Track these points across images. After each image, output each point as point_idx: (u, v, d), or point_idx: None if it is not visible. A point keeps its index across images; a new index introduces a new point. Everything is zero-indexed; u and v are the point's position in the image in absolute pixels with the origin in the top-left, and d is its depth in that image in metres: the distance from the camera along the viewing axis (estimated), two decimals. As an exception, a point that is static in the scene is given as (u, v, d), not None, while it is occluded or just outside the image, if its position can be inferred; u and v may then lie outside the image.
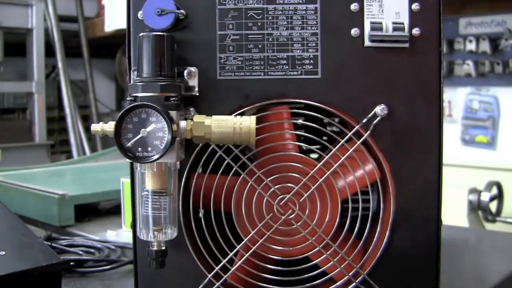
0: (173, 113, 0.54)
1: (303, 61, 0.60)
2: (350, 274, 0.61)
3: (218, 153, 0.61)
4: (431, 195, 0.60)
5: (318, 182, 0.61)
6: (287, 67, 0.60)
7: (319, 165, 0.60)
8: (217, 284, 0.62)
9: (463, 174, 2.15)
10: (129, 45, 0.61)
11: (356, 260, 0.61)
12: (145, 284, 0.63)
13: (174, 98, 0.55)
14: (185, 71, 0.59)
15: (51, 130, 2.94)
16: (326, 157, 0.60)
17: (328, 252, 0.61)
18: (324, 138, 0.65)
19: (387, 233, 0.60)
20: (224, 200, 0.62)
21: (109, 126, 0.55)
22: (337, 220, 0.61)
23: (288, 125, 0.63)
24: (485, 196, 1.86)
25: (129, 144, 0.53)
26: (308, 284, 0.62)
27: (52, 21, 2.67)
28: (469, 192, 1.86)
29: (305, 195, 0.61)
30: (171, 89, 0.55)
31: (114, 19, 2.41)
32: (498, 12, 2.29)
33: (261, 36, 0.60)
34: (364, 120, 0.59)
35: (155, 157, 0.53)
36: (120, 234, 1.03)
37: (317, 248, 0.61)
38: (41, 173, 1.55)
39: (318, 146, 0.64)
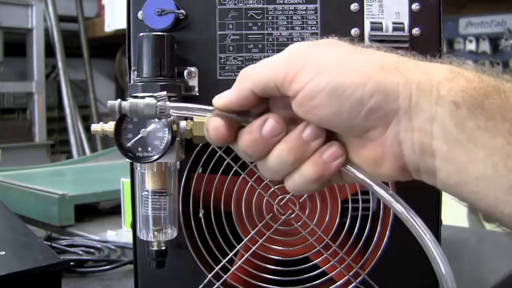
0: (173, 113, 0.54)
1: (303, 61, 0.60)
2: (350, 274, 0.61)
3: (218, 153, 0.61)
4: (431, 195, 0.60)
5: (318, 182, 0.61)
6: (287, 67, 0.60)
7: (319, 165, 0.60)
8: (217, 284, 0.62)
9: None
10: (129, 45, 0.61)
11: (356, 260, 0.61)
12: (145, 284, 0.63)
13: (174, 98, 0.55)
14: (185, 71, 0.59)
15: (51, 130, 2.94)
16: (326, 157, 0.60)
17: (328, 252, 0.61)
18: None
19: (387, 233, 0.60)
20: (224, 200, 0.62)
21: (109, 126, 0.55)
22: (337, 220, 0.61)
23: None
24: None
25: (129, 144, 0.53)
26: (308, 284, 0.62)
27: (52, 21, 2.67)
28: (469, 192, 1.86)
29: (305, 195, 0.61)
30: (171, 89, 0.55)
31: (114, 19, 2.41)
32: (498, 12, 2.29)
33: (261, 36, 0.60)
34: (364, 120, 0.59)
35: (155, 157, 0.53)
36: (120, 234, 1.03)
37: (317, 248, 0.61)
38: (41, 173, 1.55)
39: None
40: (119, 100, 0.46)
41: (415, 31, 0.59)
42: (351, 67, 0.38)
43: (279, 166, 0.41)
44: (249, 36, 0.60)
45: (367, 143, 0.40)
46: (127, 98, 0.55)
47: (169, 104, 0.45)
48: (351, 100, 0.37)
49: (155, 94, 0.46)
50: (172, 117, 0.47)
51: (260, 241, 0.61)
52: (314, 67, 0.39)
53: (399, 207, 0.40)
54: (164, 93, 0.46)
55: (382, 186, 0.41)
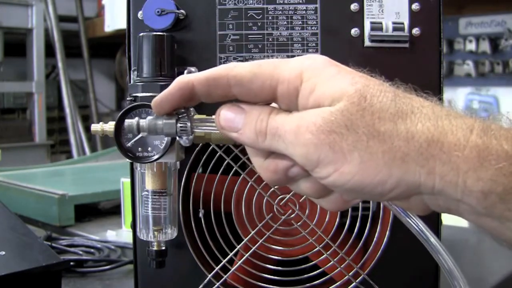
0: (173, 113, 0.54)
1: (303, 61, 0.60)
2: (350, 274, 0.61)
3: (218, 153, 0.61)
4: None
5: (318, 182, 0.61)
6: (287, 67, 0.60)
7: (319, 165, 0.60)
8: (217, 284, 0.62)
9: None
10: (129, 45, 0.61)
11: (356, 260, 0.61)
12: (145, 284, 0.63)
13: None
14: (185, 71, 0.59)
15: (51, 130, 2.94)
16: (326, 157, 0.60)
17: (328, 252, 0.61)
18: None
19: (387, 233, 0.60)
20: (224, 200, 0.62)
21: (109, 126, 0.55)
22: (337, 220, 0.61)
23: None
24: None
25: (129, 144, 0.53)
26: (308, 284, 0.62)
27: (52, 21, 2.67)
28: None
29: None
30: (171, 89, 0.55)
31: (114, 19, 2.41)
32: (498, 12, 2.29)
33: (261, 36, 0.60)
34: (364, 120, 0.59)
35: (155, 157, 0.53)
36: (120, 234, 1.03)
37: (317, 248, 0.61)
38: (41, 173, 1.55)
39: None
40: (136, 118, 0.45)
41: (415, 31, 0.59)
42: (369, 163, 0.36)
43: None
44: (249, 36, 0.60)
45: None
46: (127, 98, 0.56)
47: (189, 124, 0.43)
48: (371, 195, 0.37)
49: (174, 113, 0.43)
50: (193, 134, 0.44)
51: (260, 241, 0.61)
52: (331, 165, 0.37)
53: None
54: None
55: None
